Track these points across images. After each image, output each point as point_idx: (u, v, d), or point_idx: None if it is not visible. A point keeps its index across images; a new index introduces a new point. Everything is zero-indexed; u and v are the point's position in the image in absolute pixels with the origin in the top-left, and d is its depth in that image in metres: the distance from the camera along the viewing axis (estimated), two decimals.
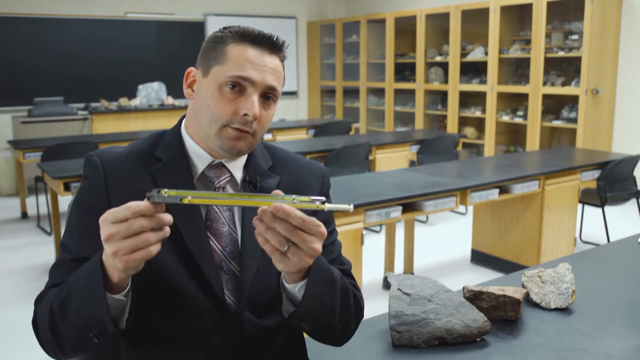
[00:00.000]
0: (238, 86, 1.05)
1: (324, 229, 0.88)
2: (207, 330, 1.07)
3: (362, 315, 1.15)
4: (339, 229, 1.34)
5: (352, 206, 0.88)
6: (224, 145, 1.07)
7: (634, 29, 5.63)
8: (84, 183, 1.10)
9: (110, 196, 1.06)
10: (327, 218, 1.21)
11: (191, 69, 1.14)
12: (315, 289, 0.98)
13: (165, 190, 0.85)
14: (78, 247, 1.05)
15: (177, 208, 1.07)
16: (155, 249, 0.86)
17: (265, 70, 1.06)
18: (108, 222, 0.85)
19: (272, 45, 1.08)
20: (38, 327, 1.03)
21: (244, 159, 1.16)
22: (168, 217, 0.87)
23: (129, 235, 0.84)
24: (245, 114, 1.04)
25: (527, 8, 6.11)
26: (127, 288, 0.94)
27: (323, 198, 0.86)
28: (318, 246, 0.89)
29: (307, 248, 0.88)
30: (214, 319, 1.07)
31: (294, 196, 0.86)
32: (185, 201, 0.85)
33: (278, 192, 0.89)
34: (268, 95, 1.08)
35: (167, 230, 0.87)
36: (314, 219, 0.88)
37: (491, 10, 6.37)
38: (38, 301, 1.05)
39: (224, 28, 1.10)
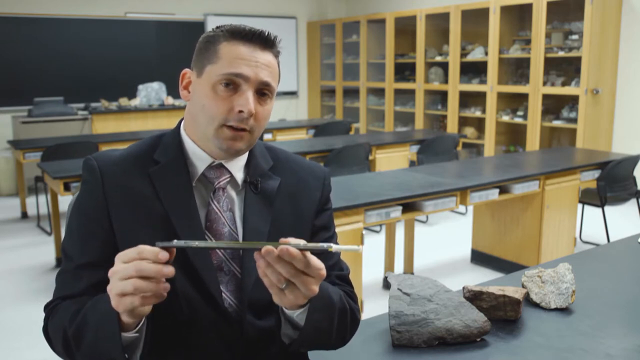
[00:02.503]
0: (232, 84, 1.05)
1: (324, 272, 0.89)
2: (205, 331, 1.07)
3: (357, 327, 1.16)
4: (339, 230, 1.33)
5: (361, 247, 0.88)
6: (222, 146, 1.07)
7: (634, 29, 5.63)
8: (82, 187, 1.11)
9: (107, 199, 1.06)
10: (328, 222, 1.21)
11: (186, 70, 1.13)
12: (315, 318, 0.99)
13: (175, 240, 0.89)
14: (79, 252, 1.06)
15: (177, 211, 1.07)
16: (147, 308, 0.88)
17: (258, 66, 1.05)
18: (119, 260, 0.87)
19: (263, 41, 1.08)
20: (51, 339, 1.05)
21: (244, 159, 1.15)
22: (168, 270, 0.87)
23: (124, 277, 0.85)
24: (240, 111, 1.04)
25: (527, 8, 6.11)
26: (140, 324, 0.95)
27: (330, 244, 0.86)
28: (315, 288, 0.90)
29: (305, 289, 0.89)
30: (211, 320, 1.07)
31: (302, 242, 0.87)
32: (194, 245, 0.88)
33: (287, 240, 0.88)
34: (263, 91, 1.07)
35: (167, 286, 0.87)
36: (317, 262, 0.88)
37: (491, 10, 6.37)
38: (49, 312, 1.07)
39: (216, 27, 1.10)
